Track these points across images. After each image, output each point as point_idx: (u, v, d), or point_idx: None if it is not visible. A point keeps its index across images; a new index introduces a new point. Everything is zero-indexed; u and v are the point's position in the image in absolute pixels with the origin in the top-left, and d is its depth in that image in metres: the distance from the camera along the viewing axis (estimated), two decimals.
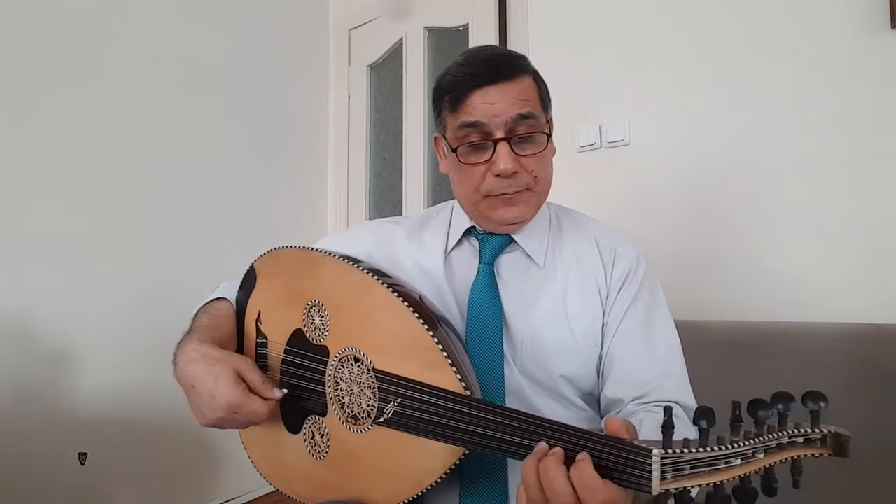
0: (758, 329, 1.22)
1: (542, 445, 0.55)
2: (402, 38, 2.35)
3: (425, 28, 2.28)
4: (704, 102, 1.55)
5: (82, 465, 1.69)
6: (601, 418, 0.82)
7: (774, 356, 1.12)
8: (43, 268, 1.65)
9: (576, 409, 0.81)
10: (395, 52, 2.40)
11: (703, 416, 0.49)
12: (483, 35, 2.05)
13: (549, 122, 0.84)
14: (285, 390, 0.76)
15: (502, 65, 0.78)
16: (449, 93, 0.80)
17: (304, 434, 0.79)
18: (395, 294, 0.71)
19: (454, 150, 0.80)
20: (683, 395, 0.79)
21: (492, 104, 0.76)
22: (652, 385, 0.77)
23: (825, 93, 1.37)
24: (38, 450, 1.61)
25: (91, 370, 1.73)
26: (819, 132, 1.38)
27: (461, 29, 2.18)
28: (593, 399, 0.83)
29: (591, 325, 0.81)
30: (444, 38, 2.28)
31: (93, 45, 1.77)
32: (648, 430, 0.69)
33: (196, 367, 0.71)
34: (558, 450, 0.54)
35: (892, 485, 0.95)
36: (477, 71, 0.78)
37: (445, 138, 0.83)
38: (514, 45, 1.95)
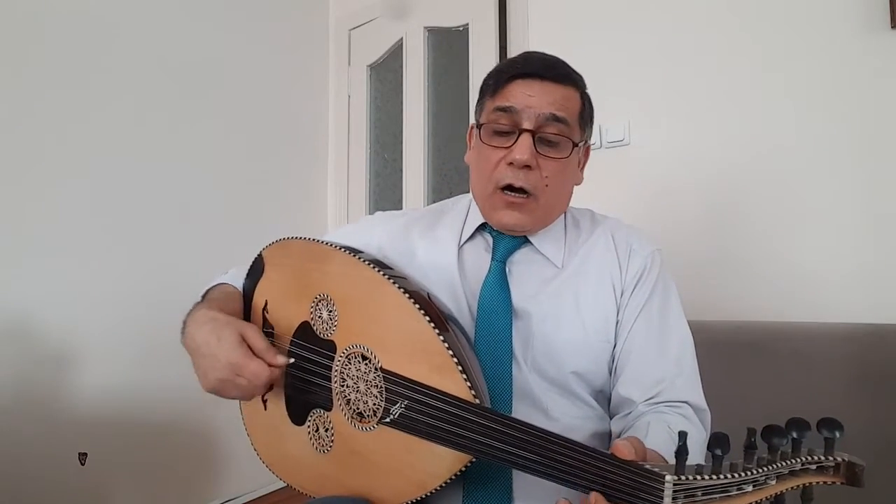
0: (758, 329, 1.22)
1: None
2: (402, 39, 2.35)
3: (425, 28, 2.29)
4: (704, 103, 1.55)
5: (82, 465, 1.68)
6: (611, 417, 0.82)
7: (775, 356, 1.12)
8: (43, 267, 1.65)
9: (586, 406, 0.80)
10: (395, 52, 2.39)
11: (717, 443, 0.48)
12: (483, 35, 2.06)
13: (586, 145, 0.85)
14: (292, 359, 0.76)
15: (555, 67, 0.80)
16: (495, 76, 0.82)
17: (309, 427, 0.79)
18: (405, 293, 0.70)
19: (480, 127, 0.81)
20: (693, 395, 0.78)
21: (530, 96, 0.77)
22: (664, 384, 0.77)
23: (825, 93, 1.37)
24: (38, 450, 1.60)
25: (91, 370, 1.73)
26: (819, 132, 1.38)
27: (461, 29, 2.18)
28: (603, 397, 0.82)
29: (604, 322, 0.81)
30: (444, 38, 2.28)
31: (93, 45, 1.77)
32: (657, 433, 0.68)
33: (203, 329, 0.73)
34: (596, 496, 0.53)
35: (891, 485, 0.95)
36: (529, 63, 0.80)
37: (479, 122, 0.84)
38: (513, 46, 1.95)
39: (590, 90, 0.85)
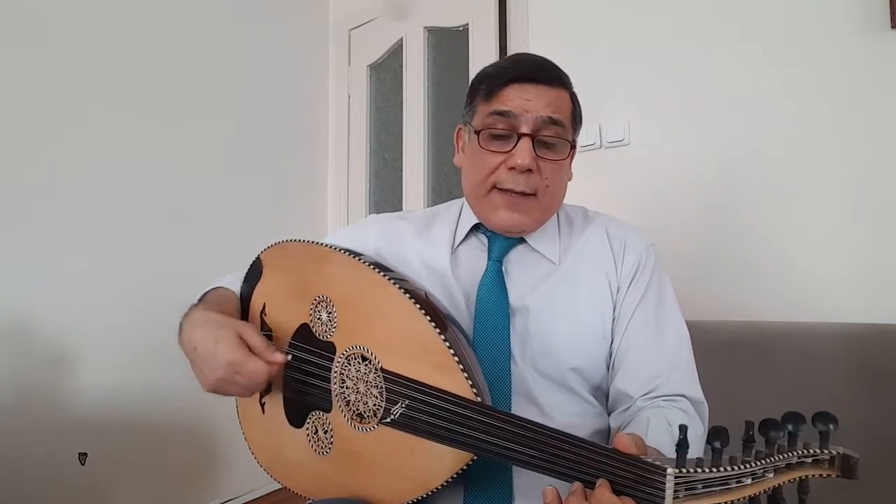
0: (758, 329, 1.22)
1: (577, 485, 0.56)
2: (402, 38, 2.35)
3: (425, 28, 2.29)
4: (704, 102, 1.55)
5: (82, 465, 1.68)
6: (609, 413, 0.82)
7: (774, 356, 1.12)
8: (43, 268, 1.65)
9: (585, 403, 0.80)
10: (395, 52, 2.40)
11: (716, 436, 0.49)
12: (483, 35, 2.05)
13: (574, 144, 0.85)
14: (290, 356, 0.75)
15: (546, 69, 0.81)
16: (487, 81, 0.82)
17: (307, 429, 0.78)
18: (405, 293, 0.70)
19: (477, 133, 0.81)
20: (690, 388, 0.79)
21: (527, 100, 0.78)
22: (661, 378, 0.77)
23: (825, 93, 1.37)
24: (38, 450, 1.60)
25: (91, 370, 1.73)
26: (818, 132, 1.38)
27: (461, 29, 2.18)
28: (601, 393, 0.83)
29: (601, 318, 0.81)
30: (444, 38, 2.28)
31: (93, 46, 1.77)
32: (657, 428, 0.69)
33: (200, 331, 0.72)
34: (577, 485, 0.55)
35: (892, 485, 0.95)
36: (521, 67, 0.80)
37: (471, 125, 0.83)
38: (514, 46, 1.95)
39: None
